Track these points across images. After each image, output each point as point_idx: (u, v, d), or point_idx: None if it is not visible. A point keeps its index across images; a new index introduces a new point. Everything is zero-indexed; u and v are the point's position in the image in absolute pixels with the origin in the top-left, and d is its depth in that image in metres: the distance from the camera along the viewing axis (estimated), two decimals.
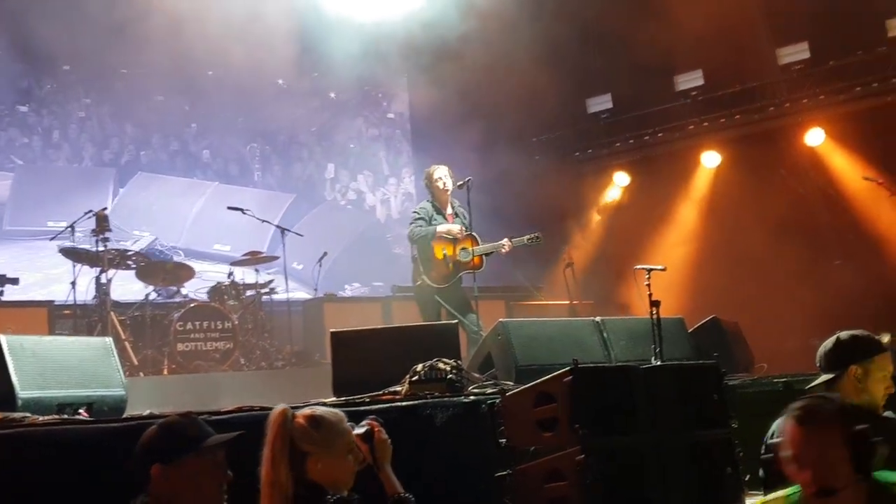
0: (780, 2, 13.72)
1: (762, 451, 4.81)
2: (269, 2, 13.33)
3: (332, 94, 17.45)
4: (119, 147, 15.30)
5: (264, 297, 12.76)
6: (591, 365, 5.81)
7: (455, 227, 10.17)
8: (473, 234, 10.24)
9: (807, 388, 4.97)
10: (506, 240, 10.29)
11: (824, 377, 4.78)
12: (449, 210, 10.35)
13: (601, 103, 15.83)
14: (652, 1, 13.53)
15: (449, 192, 10.30)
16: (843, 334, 4.83)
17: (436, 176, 10.30)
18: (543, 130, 16.39)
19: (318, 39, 14.09)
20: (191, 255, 14.70)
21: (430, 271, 10.09)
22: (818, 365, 4.86)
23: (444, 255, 10.11)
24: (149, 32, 13.54)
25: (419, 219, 10.21)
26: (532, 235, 10.37)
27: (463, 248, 10.14)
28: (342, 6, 13.70)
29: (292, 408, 4.06)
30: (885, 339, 4.96)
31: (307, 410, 4.05)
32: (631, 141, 15.92)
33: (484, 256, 10.25)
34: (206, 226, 15.27)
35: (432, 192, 10.36)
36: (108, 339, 7.09)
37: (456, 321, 8.94)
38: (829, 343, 4.84)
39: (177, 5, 12.93)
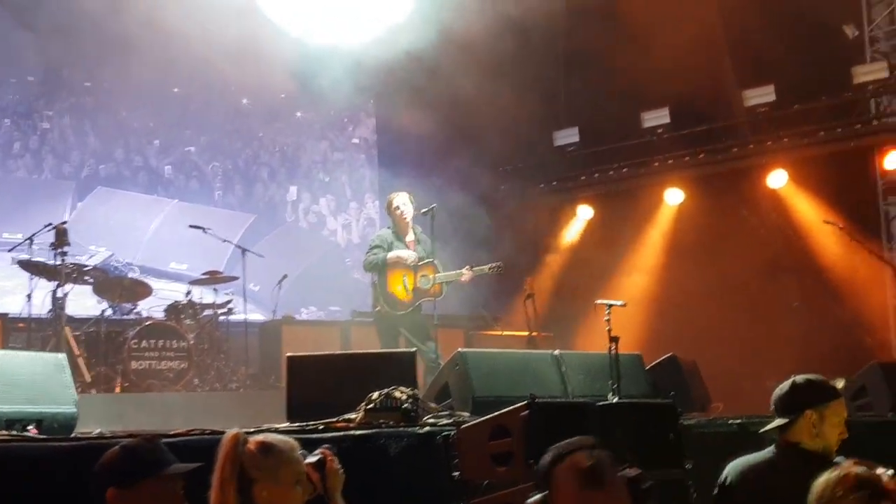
0: (748, 44, 13.83)
1: (715, 493, 4.81)
2: (236, 22, 13.25)
3: (298, 114, 17.42)
4: (80, 160, 15.16)
5: (221, 318, 12.66)
6: (548, 400, 5.78)
7: (407, 254, 10.19)
8: (434, 261, 10.23)
9: (761, 431, 4.98)
10: (466, 268, 10.30)
11: (779, 421, 4.78)
12: (410, 237, 10.35)
13: (568, 136, 15.87)
14: (621, 37, 13.58)
15: (408, 220, 10.31)
16: (799, 378, 4.83)
17: (395, 203, 10.33)
18: (509, 161, 16.40)
19: (286, 61, 14.05)
20: (147, 273, 14.55)
21: (389, 298, 10.08)
22: (773, 408, 4.85)
23: (404, 282, 10.10)
24: (114, 47, 13.48)
25: (376, 247, 10.24)
26: (493, 265, 10.41)
27: (423, 276, 10.13)
28: (310, 29, 13.66)
29: (245, 433, 4.01)
30: (840, 384, 4.98)
31: (259, 437, 4.00)
32: (596, 175, 15.95)
33: (444, 284, 10.24)
34: (163, 243, 15.15)
35: (392, 219, 10.37)
36: (62, 356, 6.98)
37: (414, 349, 8.89)
38: (784, 387, 4.84)
39: (143, 22, 12.86)
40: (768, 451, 4.78)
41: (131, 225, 15.26)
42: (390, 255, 10.12)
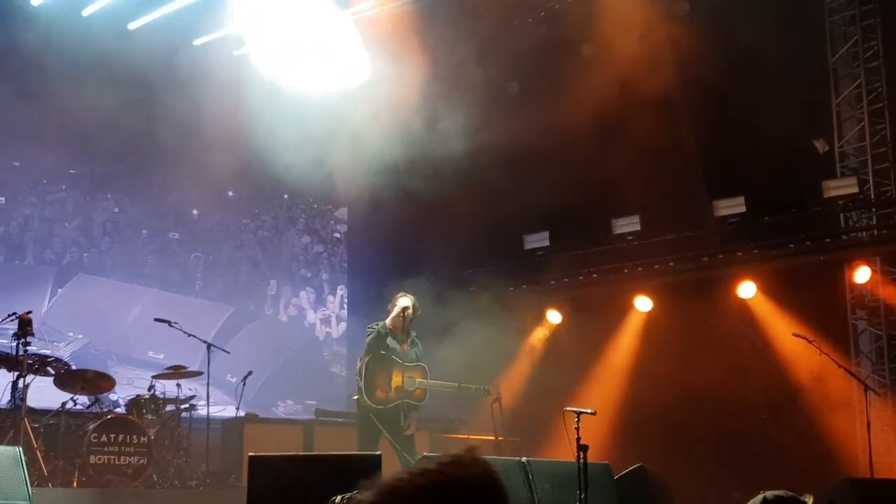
0: (720, 155, 14.01)
1: None
2: (223, 114, 13.34)
3: (280, 209, 17.48)
4: (62, 247, 15.03)
5: (184, 414, 12.46)
6: None
7: (402, 352, 10.15)
8: (423, 365, 10.19)
9: None
10: (457, 384, 10.38)
11: None
12: (405, 338, 10.29)
13: (538, 240, 15.94)
14: (594, 142, 13.72)
15: (408, 322, 10.26)
16: (770, 495, 4.72)
17: (404, 304, 10.26)
18: (479, 263, 16.42)
19: (265, 150, 14.11)
20: (124, 361, 14.45)
21: (369, 389, 9.98)
22: None
23: (389, 379, 10.02)
24: (100, 137, 13.56)
25: (376, 333, 10.14)
26: (481, 387, 10.48)
27: (409, 377, 10.07)
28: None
29: None
30: (809, 500, 4.88)
31: None
32: (565, 279, 15.98)
33: (427, 392, 10.19)
34: (141, 332, 14.96)
35: (394, 317, 10.25)
36: (18, 449, 6.84)
37: (379, 452, 8.75)
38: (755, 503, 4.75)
39: (134, 112, 12.96)
40: None
41: (110, 313, 15.13)
42: (390, 345, 10.08)
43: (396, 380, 10.07)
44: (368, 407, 10.01)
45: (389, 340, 10.20)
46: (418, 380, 10.13)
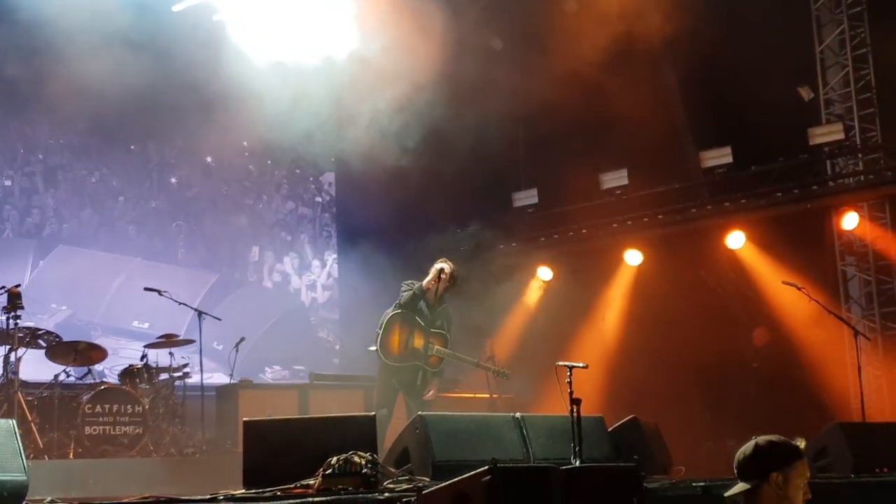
0: (705, 107, 13.98)
1: None
2: (204, 82, 13.26)
3: (262, 174, 17.41)
4: (41, 219, 14.97)
5: (177, 382, 12.46)
6: (510, 465, 5.69)
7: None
8: (446, 335, 10.18)
9: (725, 495, 4.88)
10: (475, 361, 10.66)
11: (743, 485, 4.70)
12: (435, 305, 10.25)
13: (527, 198, 15.92)
14: (580, 97, 13.67)
15: (443, 288, 10.21)
16: (762, 440, 4.74)
17: (446, 270, 10.18)
18: (468, 221, 16.41)
19: (250, 117, 14.03)
20: (108, 332, 14.39)
21: (383, 342, 9.95)
22: (736, 471, 4.75)
23: (408, 337, 9.98)
24: (77, 106, 13.44)
25: (410, 291, 10.09)
26: (502, 371, 10.69)
27: (429, 343, 10.04)
28: (275, 81, 13.67)
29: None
30: (801, 444, 4.89)
31: None
32: (555, 236, 15.98)
33: (442, 361, 10.17)
34: (125, 302, 14.90)
35: (432, 281, 10.18)
36: (11, 422, 6.78)
37: (373, 413, 8.76)
38: (748, 449, 4.73)
39: (111, 79, 12.83)
40: None
41: (93, 283, 15.05)
42: (419, 307, 10.05)
43: (416, 341, 10.00)
44: (385, 362, 9.97)
45: (421, 303, 10.15)
46: (437, 347, 10.09)
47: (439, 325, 10.23)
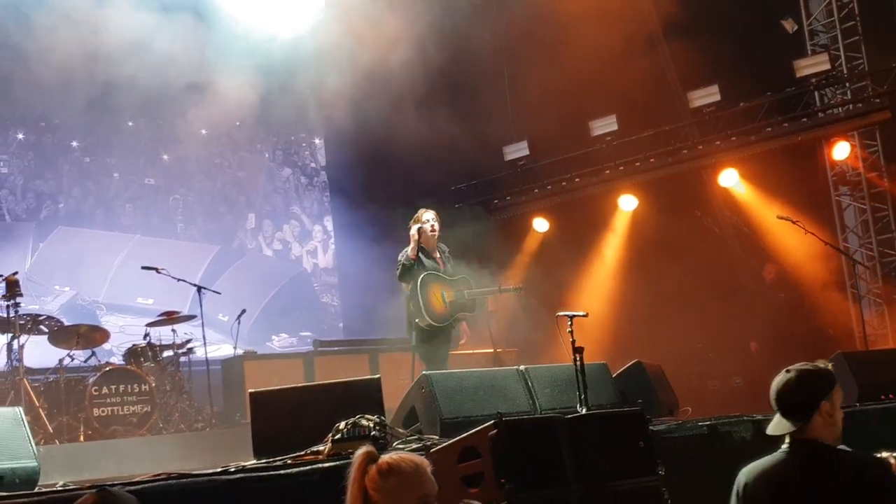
0: (689, 46, 13.90)
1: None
2: (193, 55, 13.20)
3: (258, 145, 17.39)
4: (37, 201, 14.95)
5: (182, 358, 12.50)
6: (516, 417, 5.72)
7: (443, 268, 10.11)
8: (466, 277, 10.17)
9: (770, 433, 4.46)
10: (497, 287, 10.57)
11: (788, 421, 4.37)
12: (437, 253, 10.20)
13: (518, 150, 15.88)
14: (565, 49, 13.62)
15: (436, 236, 10.16)
16: (802, 370, 4.44)
17: (424, 217, 10.11)
18: (461, 178, 16.38)
19: (240, 88, 13.97)
20: (113, 310, 14.47)
21: (430, 310, 9.81)
22: (779, 407, 4.42)
23: (442, 295, 9.93)
24: (67, 83, 13.38)
25: (401, 265, 10.01)
26: (516, 287, 10.61)
27: (459, 290, 10.01)
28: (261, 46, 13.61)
29: (374, 453, 3.79)
30: (829, 366, 4.70)
31: (386, 457, 3.76)
32: (549, 187, 15.96)
33: (475, 301, 10.17)
34: (128, 279, 14.95)
35: (416, 240, 10.08)
36: (18, 409, 6.81)
37: (378, 375, 8.77)
38: (789, 382, 4.41)
39: (101, 57, 12.77)
40: (782, 452, 4.38)
41: (95, 263, 15.13)
42: (428, 266, 9.97)
43: (449, 294, 9.96)
44: (433, 329, 9.87)
45: (426, 261, 10.06)
46: (467, 291, 10.06)
47: (451, 271, 10.21)
